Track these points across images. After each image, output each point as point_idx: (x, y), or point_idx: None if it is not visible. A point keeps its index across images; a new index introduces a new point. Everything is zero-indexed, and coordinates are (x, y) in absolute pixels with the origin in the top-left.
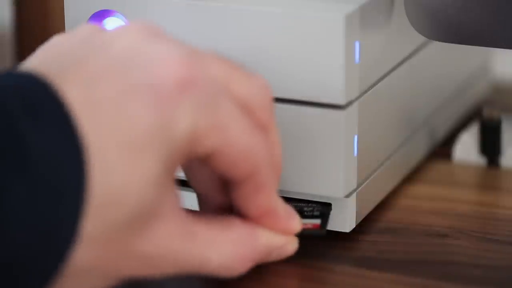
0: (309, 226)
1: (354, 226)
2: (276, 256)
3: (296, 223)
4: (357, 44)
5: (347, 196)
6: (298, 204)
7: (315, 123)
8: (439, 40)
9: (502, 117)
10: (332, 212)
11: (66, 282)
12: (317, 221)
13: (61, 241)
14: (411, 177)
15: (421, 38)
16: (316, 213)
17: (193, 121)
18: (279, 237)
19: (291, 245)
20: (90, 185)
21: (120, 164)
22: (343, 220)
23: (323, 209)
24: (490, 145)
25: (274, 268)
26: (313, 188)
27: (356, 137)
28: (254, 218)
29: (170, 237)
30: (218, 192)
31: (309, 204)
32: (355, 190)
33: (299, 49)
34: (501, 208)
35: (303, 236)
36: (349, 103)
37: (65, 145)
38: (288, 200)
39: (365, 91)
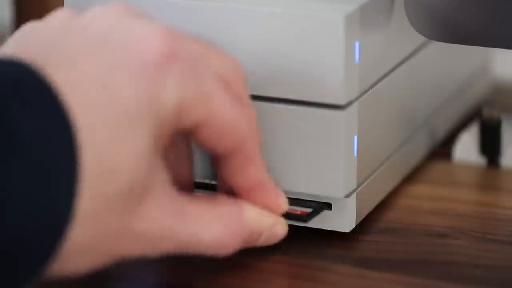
0: (298, 212)
1: (354, 226)
2: (267, 237)
3: (284, 201)
4: (357, 44)
5: (347, 196)
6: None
7: (315, 123)
8: (439, 40)
9: (502, 117)
10: (332, 212)
11: (64, 261)
12: (308, 210)
13: (57, 219)
14: (411, 177)
15: (421, 38)
16: (311, 205)
17: (179, 93)
18: (269, 215)
19: (280, 226)
20: (82, 163)
21: (110, 140)
22: (343, 220)
23: (319, 206)
24: (490, 145)
25: (274, 268)
26: (313, 188)
27: (356, 137)
28: (243, 193)
29: (163, 214)
30: (189, 171)
31: (308, 201)
32: (355, 190)
33: (299, 49)
34: (501, 208)
35: (286, 218)
36: (349, 103)
37: (55, 126)
38: (288, 200)
39: (365, 91)
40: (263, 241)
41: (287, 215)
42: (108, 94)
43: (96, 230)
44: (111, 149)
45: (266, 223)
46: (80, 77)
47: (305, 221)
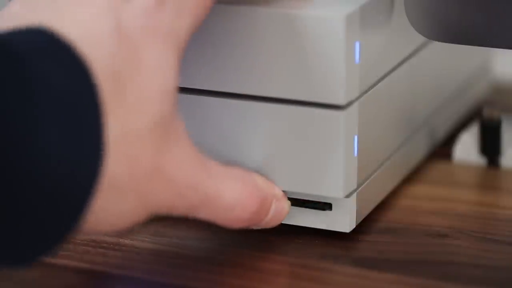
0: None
1: (354, 226)
2: (275, 211)
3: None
4: (357, 44)
5: (347, 196)
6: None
7: (315, 123)
8: (439, 40)
9: (502, 117)
10: (332, 212)
11: (104, 200)
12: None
13: (91, 154)
14: (411, 177)
15: (421, 38)
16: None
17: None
18: (274, 186)
19: (286, 202)
20: (106, 99)
21: (132, 76)
22: (343, 220)
23: (319, 206)
24: (490, 145)
25: (274, 268)
26: (313, 188)
27: (356, 137)
28: None
29: (189, 162)
30: None
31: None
32: (355, 190)
33: (299, 49)
34: (501, 208)
35: (308, 206)
36: (349, 103)
37: (78, 77)
38: (288, 200)
39: (365, 91)
40: (271, 216)
41: (308, 205)
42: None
43: (129, 167)
44: (134, 85)
45: (276, 191)
46: (96, 32)
47: (324, 209)
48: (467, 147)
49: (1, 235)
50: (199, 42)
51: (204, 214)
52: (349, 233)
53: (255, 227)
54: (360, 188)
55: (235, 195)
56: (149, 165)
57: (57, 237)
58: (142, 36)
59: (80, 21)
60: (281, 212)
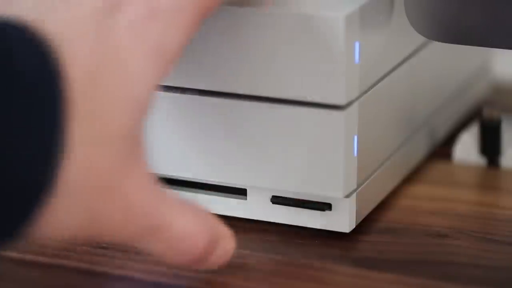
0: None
1: (354, 226)
2: (221, 250)
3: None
4: (357, 44)
5: (347, 196)
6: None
7: (315, 123)
8: (439, 40)
9: (502, 117)
10: (332, 212)
11: (52, 205)
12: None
13: (48, 155)
14: (411, 177)
15: (421, 38)
16: (311, 205)
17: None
18: (223, 224)
19: (231, 241)
20: (74, 105)
21: (102, 84)
22: (343, 220)
23: (319, 206)
24: (490, 145)
25: (274, 268)
26: (313, 188)
27: (356, 137)
28: None
29: (147, 187)
30: None
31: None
32: (355, 190)
33: (299, 49)
34: (501, 208)
35: (309, 207)
36: (349, 103)
37: (47, 73)
38: (288, 200)
39: (365, 91)
40: (217, 255)
41: (307, 204)
42: (99, 39)
43: (86, 176)
44: (108, 91)
45: (225, 230)
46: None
47: (323, 209)
48: (467, 147)
49: None
50: (198, 42)
51: (151, 244)
52: (349, 233)
53: (200, 267)
54: (360, 188)
55: (187, 228)
56: (107, 179)
57: (5, 233)
58: (126, 45)
59: (64, 20)
60: (228, 252)
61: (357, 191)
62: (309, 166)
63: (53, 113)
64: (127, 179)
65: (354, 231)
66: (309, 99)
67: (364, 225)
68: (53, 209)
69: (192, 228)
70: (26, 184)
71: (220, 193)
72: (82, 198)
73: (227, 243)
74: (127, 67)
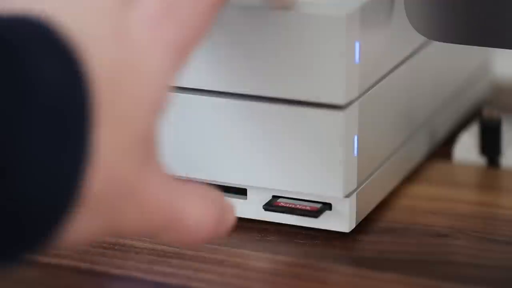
0: (307, 208)
1: (354, 226)
2: (224, 224)
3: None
4: (357, 44)
5: (347, 196)
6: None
7: (315, 123)
8: (439, 40)
9: (502, 117)
10: (332, 212)
11: (81, 217)
12: (317, 206)
13: (73, 166)
14: (411, 177)
15: (421, 38)
16: (311, 205)
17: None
18: (226, 199)
19: (234, 212)
20: (98, 110)
21: (125, 89)
22: (343, 220)
23: (319, 206)
24: (490, 145)
25: (274, 268)
26: (313, 188)
27: (356, 137)
28: None
29: (161, 184)
30: None
31: (308, 202)
32: (355, 190)
33: (299, 49)
34: (501, 208)
35: (297, 214)
36: (349, 103)
37: (70, 77)
38: (288, 200)
39: (365, 91)
40: (222, 229)
41: (297, 211)
42: (121, 44)
43: (107, 184)
44: (128, 93)
45: (228, 204)
46: (92, 25)
47: (316, 216)
48: (467, 147)
49: None
50: None
51: (165, 235)
52: (349, 233)
53: (206, 242)
54: (360, 188)
55: (198, 214)
56: (127, 184)
57: (29, 245)
58: (143, 43)
59: (83, 19)
60: (231, 223)
61: (357, 191)
62: (309, 166)
63: (80, 121)
64: (145, 182)
65: (354, 231)
66: (309, 99)
67: (364, 225)
68: (78, 219)
69: (203, 212)
70: (54, 196)
71: None
72: (105, 205)
73: (230, 216)
74: (145, 67)
